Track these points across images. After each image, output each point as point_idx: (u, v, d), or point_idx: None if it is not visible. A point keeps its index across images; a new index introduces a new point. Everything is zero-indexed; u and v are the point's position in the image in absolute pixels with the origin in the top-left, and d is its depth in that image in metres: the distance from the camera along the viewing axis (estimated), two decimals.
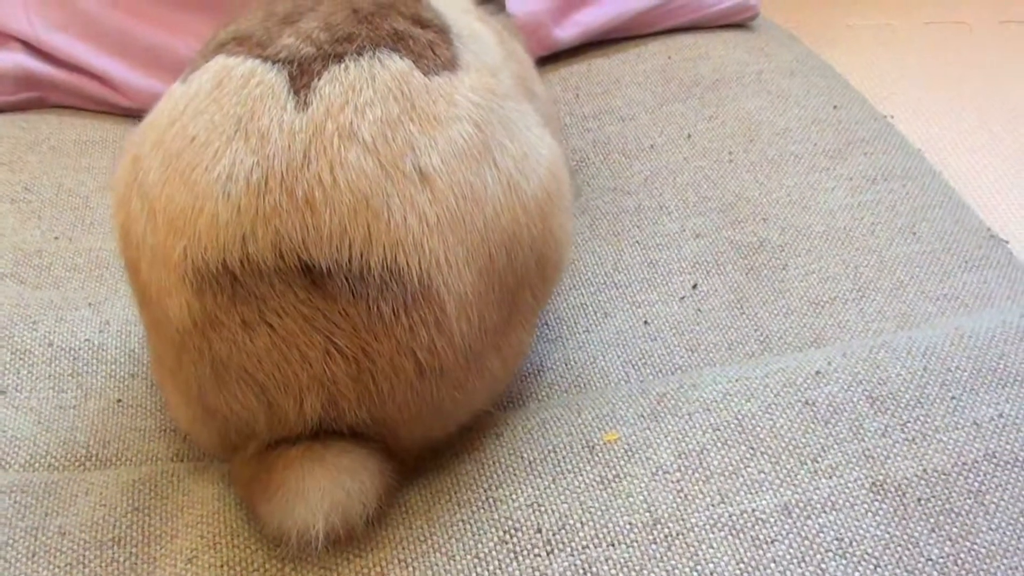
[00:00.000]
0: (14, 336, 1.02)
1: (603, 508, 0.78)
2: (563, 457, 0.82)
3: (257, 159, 0.73)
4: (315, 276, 0.73)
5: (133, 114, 1.39)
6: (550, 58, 1.43)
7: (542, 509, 0.78)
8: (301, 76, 0.76)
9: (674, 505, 0.77)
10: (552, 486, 0.80)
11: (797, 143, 1.19)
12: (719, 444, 0.81)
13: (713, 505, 0.77)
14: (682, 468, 0.80)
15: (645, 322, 1.02)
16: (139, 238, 0.78)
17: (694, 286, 1.05)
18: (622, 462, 0.81)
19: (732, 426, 0.82)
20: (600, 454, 0.82)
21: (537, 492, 0.80)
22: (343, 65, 0.76)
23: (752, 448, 0.80)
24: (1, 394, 0.97)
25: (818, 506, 0.76)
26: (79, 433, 0.94)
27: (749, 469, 0.79)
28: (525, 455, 0.83)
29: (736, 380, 0.86)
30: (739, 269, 1.06)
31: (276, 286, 0.73)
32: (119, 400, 0.98)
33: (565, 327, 1.02)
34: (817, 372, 0.85)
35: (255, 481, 0.79)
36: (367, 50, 0.78)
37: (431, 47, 0.81)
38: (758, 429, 0.82)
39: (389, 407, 0.77)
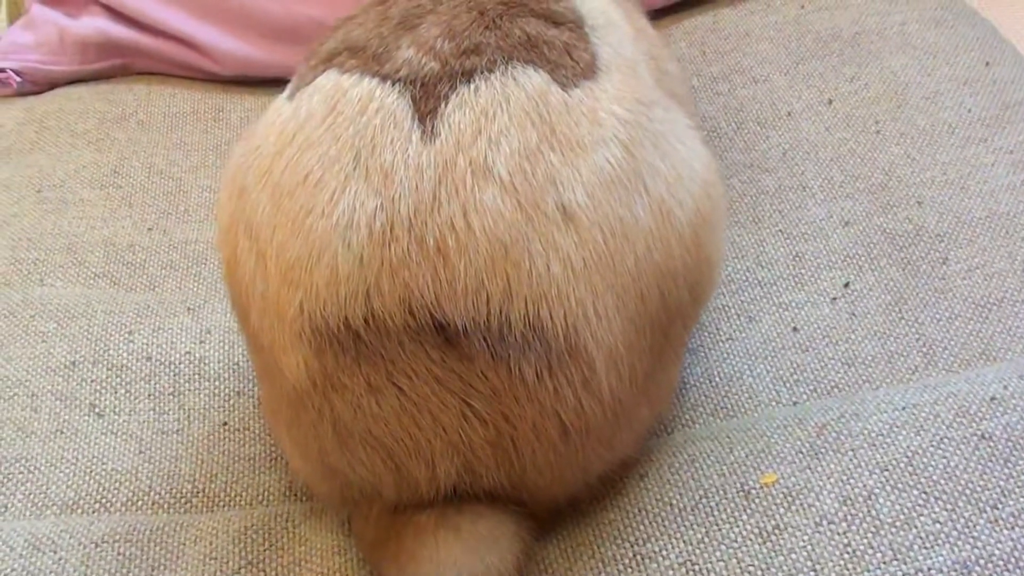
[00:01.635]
0: (109, 349, 0.95)
1: (763, 567, 0.70)
2: (716, 504, 0.74)
3: (381, 201, 0.64)
4: (449, 335, 0.65)
5: (224, 80, 1.31)
6: (671, 8, 1.32)
7: (695, 568, 0.71)
8: (426, 100, 0.67)
9: (841, 563, 0.69)
10: (705, 540, 0.72)
11: (949, 109, 1.09)
12: (888, 488, 0.72)
13: (884, 563, 0.69)
14: (848, 517, 0.71)
15: (794, 328, 0.93)
16: (248, 281, 0.70)
17: (846, 284, 0.95)
18: (781, 510, 0.73)
19: (902, 465, 0.73)
20: (757, 501, 0.73)
21: (689, 547, 0.72)
22: (473, 86, 0.67)
23: (925, 493, 0.72)
24: (99, 417, 0.90)
25: (1000, 563, 0.68)
26: (183, 464, 0.87)
27: (923, 519, 0.70)
28: (674, 502, 0.75)
29: (903, 409, 0.77)
30: (895, 263, 0.96)
31: (406, 346, 0.65)
32: (224, 423, 0.91)
33: (706, 334, 0.93)
34: (992, 398, 0.76)
35: (381, 546, 0.72)
36: (499, 64, 0.68)
37: (568, 51, 0.71)
38: (930, 469, 0.73)
39: (530, 471, 0.69)
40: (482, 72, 0.67)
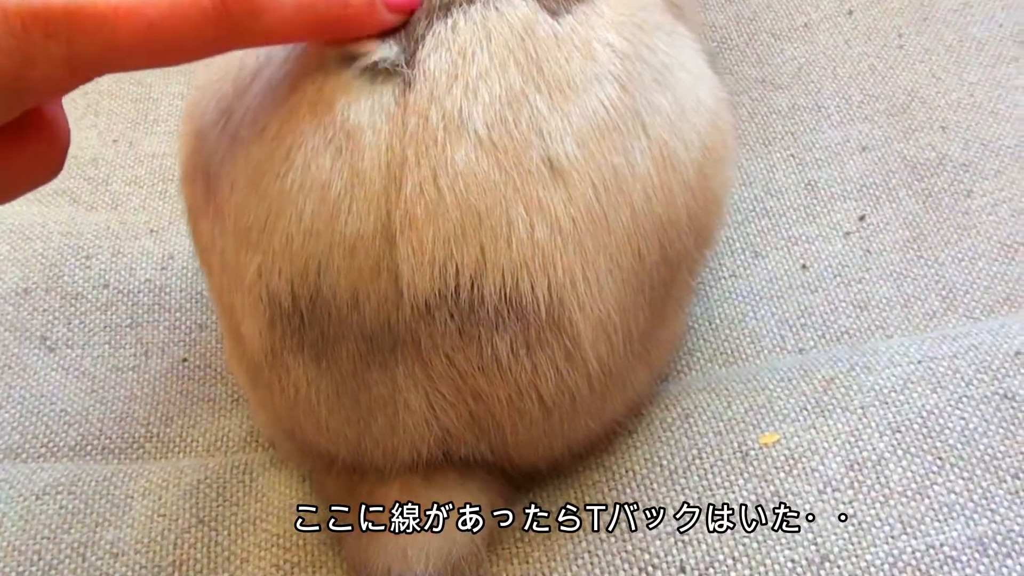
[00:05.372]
0: (64, 275, 0.88)
1: (760, 539, 0.64)
2: (711, 466, 0.68)
3: (340, 164, 0.56)
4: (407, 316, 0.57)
5: None
6: None
7: (685, 540, 0.64)
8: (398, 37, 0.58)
9: (845, 535, 0.63)
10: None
11: (979, 24, 1.00)
12: (900, 452, 0.66)
13: (893, 536, 0.63)
14: (855, 484, 0.65)
15: (803, 266, 0.86)
16: (208, 235, 0.64)
17: (861, 217, 0.88)
18: (782, 475, 0.66)
19: (915, 427, 0.67)
20: (756, 463, 0.67)
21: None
22: (450, 21, 0.57)
23: (940, 459, 0.65)
24: (50, 351, 0.84)
25: (1020, 540, 0.61)
26: (138, 404, 0.81)
27: (936, 487, 0.64)
28: (665, 463, 0.69)
29: (919, 362, 0.71)
30: (914, 195, 0.89)
31: (354, 339, 0.58)
32: (184, 359, 0.84)
33: (708, 271, 0.86)
34: (1017, 353, 0.70)
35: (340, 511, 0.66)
36: None
37: None
38: (947, 432, 0.66)
39: (510, 444, 0.62)
40: (460, 4, 0.58)
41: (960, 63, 0.97)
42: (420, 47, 0.57)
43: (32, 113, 0.51)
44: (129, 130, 1.06)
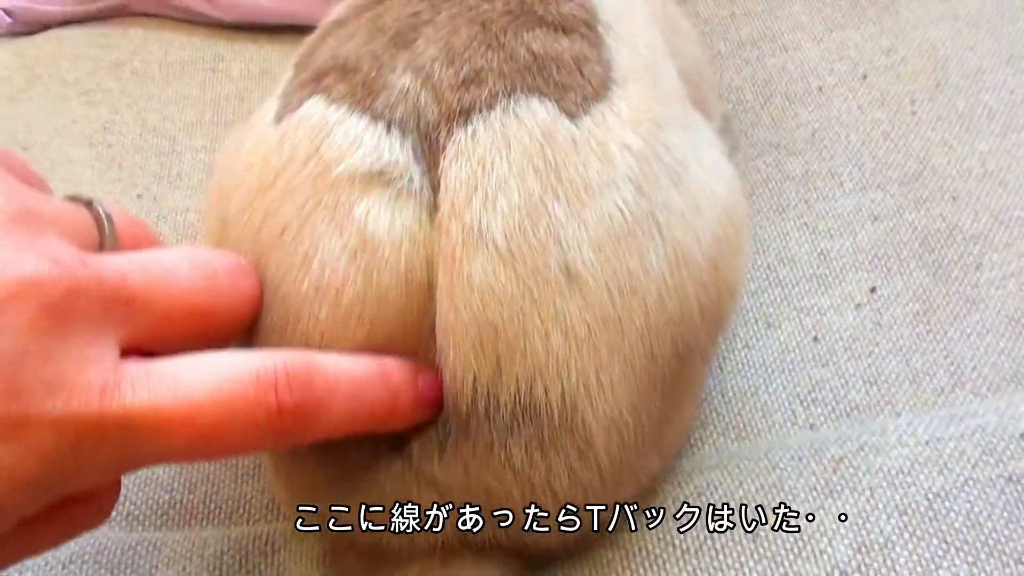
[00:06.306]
0: None
1: None
2: (723, 546, 0.69)
3: (356, 274, 0.58)
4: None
5: (226, 26, 1.24)
6: None
7: None
8: (427, 154, 0.59)
9: None
10: None
11: (991, 91, 1.01)
12: (907, 535, 0.67)
13: None
14: (863, 568, 0.66)
15: (815, 338, 0.87)
16: None
17: (872, 289, 0.89)
18: (791, 556, 0.67)
19: (922, 510, 0.68)
20: (766, 544, 0.68)
21: None
22: (470, 129, 0.59)
23: (946, 542, 0.66)
24: None
25: None
26: (161, 469, 0.82)
27: (942, 572, 0.65)
28: (677, 541, 0.70)
29: (926, 443, 0.72)
30: (924, 267, 0.90)
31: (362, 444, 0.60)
32: None
33: (722, 341, 0.87)
34: (1022, 435, 0.71)
35: None
36: (500, 98, 0.59)
37: (579, 67, 0.62)
38: (952, 515, 0.67)
39: (525, 533, 0.64)
40: (480, 111, 0.59)
41: (972, 131, 0.98)
42: (442, 157, 0.59)
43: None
44: (153, 184, 1.07)
